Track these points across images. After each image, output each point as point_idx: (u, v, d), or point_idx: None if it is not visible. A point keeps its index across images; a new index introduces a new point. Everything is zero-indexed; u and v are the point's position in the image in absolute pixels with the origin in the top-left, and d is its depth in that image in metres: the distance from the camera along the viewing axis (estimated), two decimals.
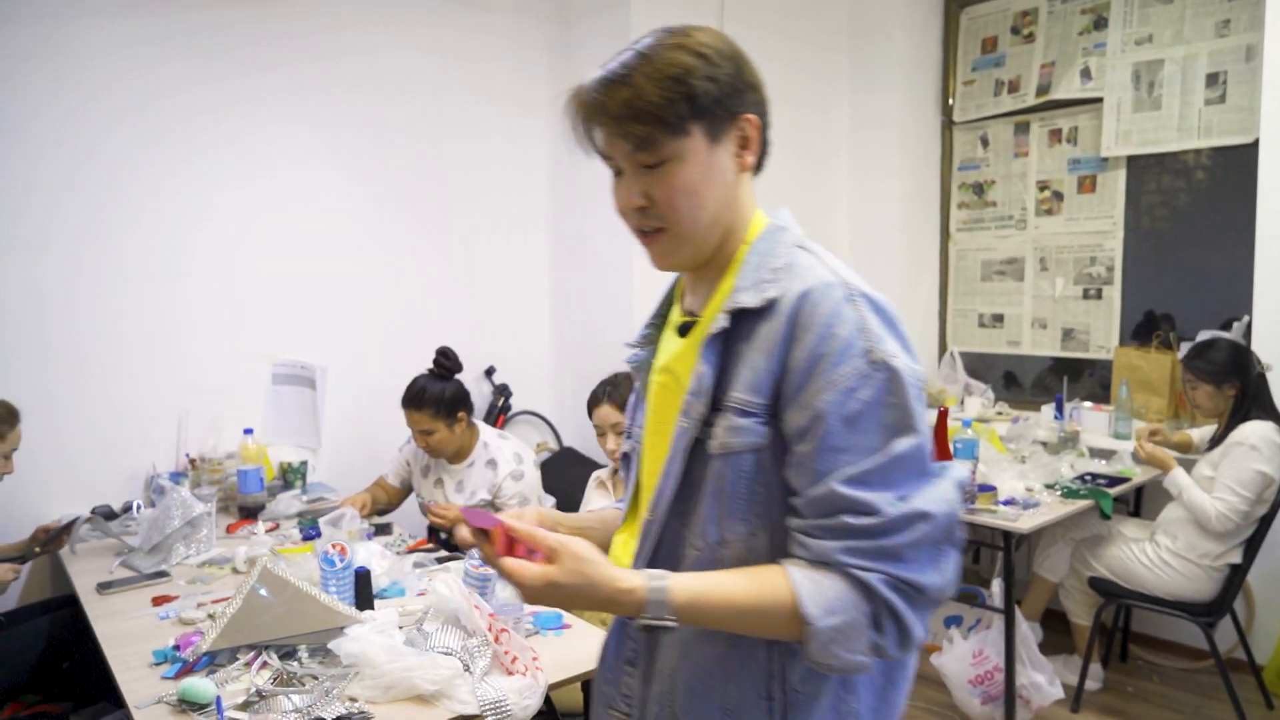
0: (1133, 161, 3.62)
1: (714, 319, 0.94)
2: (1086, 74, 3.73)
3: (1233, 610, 2.94)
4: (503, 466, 2.62)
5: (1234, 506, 2.61)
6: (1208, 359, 2.80)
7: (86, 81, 2.65)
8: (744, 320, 0.92)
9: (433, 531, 2.67)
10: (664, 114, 0.90)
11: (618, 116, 0.91)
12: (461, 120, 3.42)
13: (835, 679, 0.92)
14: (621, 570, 0.89)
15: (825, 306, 0.88)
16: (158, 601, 2.02)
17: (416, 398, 2.55)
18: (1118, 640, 3.31)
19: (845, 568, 0.84)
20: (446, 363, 2.63)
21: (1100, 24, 3.70)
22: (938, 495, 0.86)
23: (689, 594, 0.86)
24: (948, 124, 4.21)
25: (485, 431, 2.72)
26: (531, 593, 0.87)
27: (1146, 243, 3.67)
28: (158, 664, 1.69)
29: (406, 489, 2.86)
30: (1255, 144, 3.11)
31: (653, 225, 0.96)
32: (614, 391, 2.31)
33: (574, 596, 0.87)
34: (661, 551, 0.97)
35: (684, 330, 1.02)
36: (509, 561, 0.87)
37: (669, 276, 1.12)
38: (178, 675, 1.62)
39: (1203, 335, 3.33)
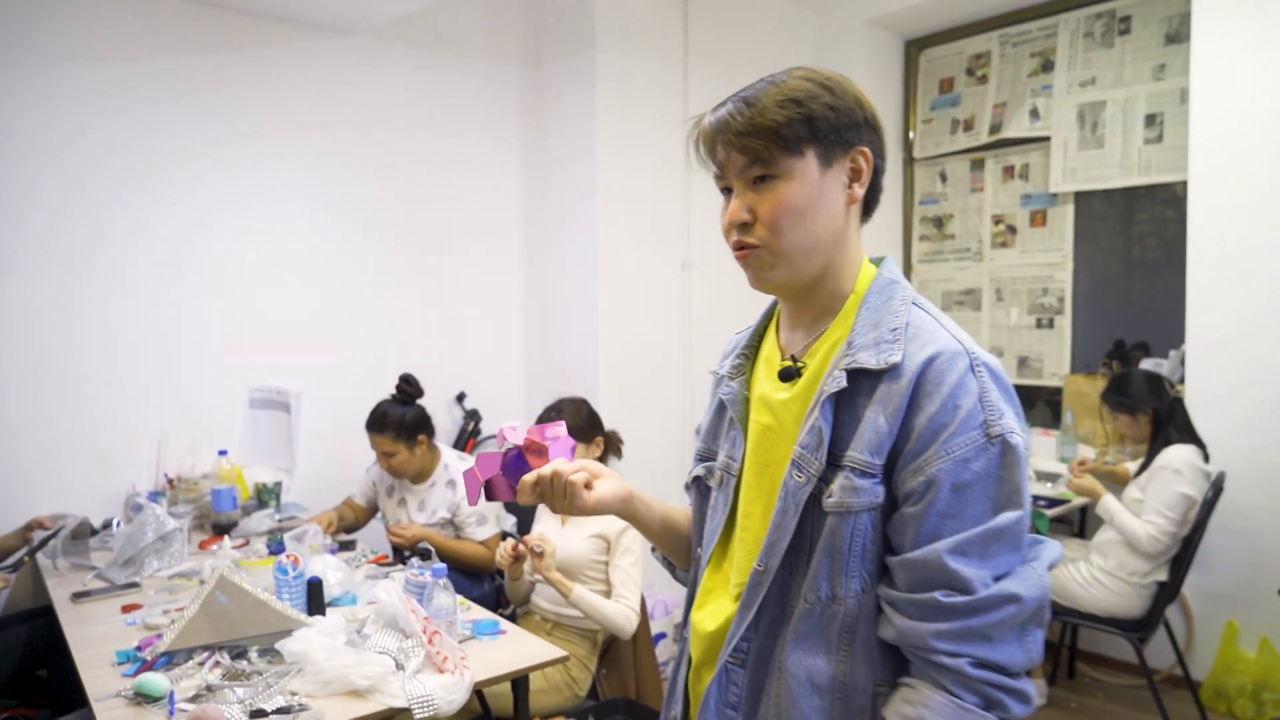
0: (1099, 194, 3.78)
1: (830, 375, 0.95)
2: (1035, 114, 3.91)
3: (1170, 629, 3.05)
4: (461, 486, 2.76)
5: (1162, 528, 2.74)
6: (1120, 391, 2.96)
7: (73, 117, 2.81)
8: (862, 379, 0.94)
9: (396, 550, 2.80)
10: (781, 131, 0.94)
11: (739, 131, 0.96)
12: (437, 155, 3.60)
13: None
14: None
15: (951, 376, 0.90)
16: (126, 609, 2.15)
17: (378, 421, 2.70)
18: (1066, 658, 3.42)
19: (934, 654, 0.88)
20: (408, 388, 2.78)
21: (1047, 67, 3.88)
22: (1030, 579, 0.89)
23: None
24: (908, 160, 4.39)
25: (446, 453, 2.86)
26: None
27: (1104, 273, 3.82)
28: (120, 663, 1.83)
29: (373, 508, 3.00)
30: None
31: (751, 243, 0.98)
32: (556, 418, 2.44)
33: None
34: (769, 601, 0.98)
35: (786, 375, 1.02)
36: None
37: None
38: (137, 673, 1.75)
39: (1144, 364, 3.48)
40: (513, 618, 2.60)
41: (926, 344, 0.93)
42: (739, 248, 1.00)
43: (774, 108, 0.95)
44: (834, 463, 0.94)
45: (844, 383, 0.93)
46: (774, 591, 0.98)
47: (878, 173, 1.01)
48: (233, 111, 3.11)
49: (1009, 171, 4.05)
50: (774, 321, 1.11)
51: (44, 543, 2.44)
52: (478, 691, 1.88)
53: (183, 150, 3.02)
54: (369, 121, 3.43)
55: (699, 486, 1.15)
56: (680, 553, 1.22)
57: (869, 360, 0.93)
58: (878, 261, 1.06)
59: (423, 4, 3.15)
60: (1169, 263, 3.61)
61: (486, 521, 2.77)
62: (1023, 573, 0.89)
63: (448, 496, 2.76)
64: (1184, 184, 3.49)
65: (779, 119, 0.94)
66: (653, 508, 1.17)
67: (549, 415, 2.47)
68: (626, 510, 1.13)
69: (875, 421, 0.92)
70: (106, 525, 2.80)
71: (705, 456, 1.14)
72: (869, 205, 1.03)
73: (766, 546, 0.97)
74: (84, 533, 2.60)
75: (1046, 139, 3.86)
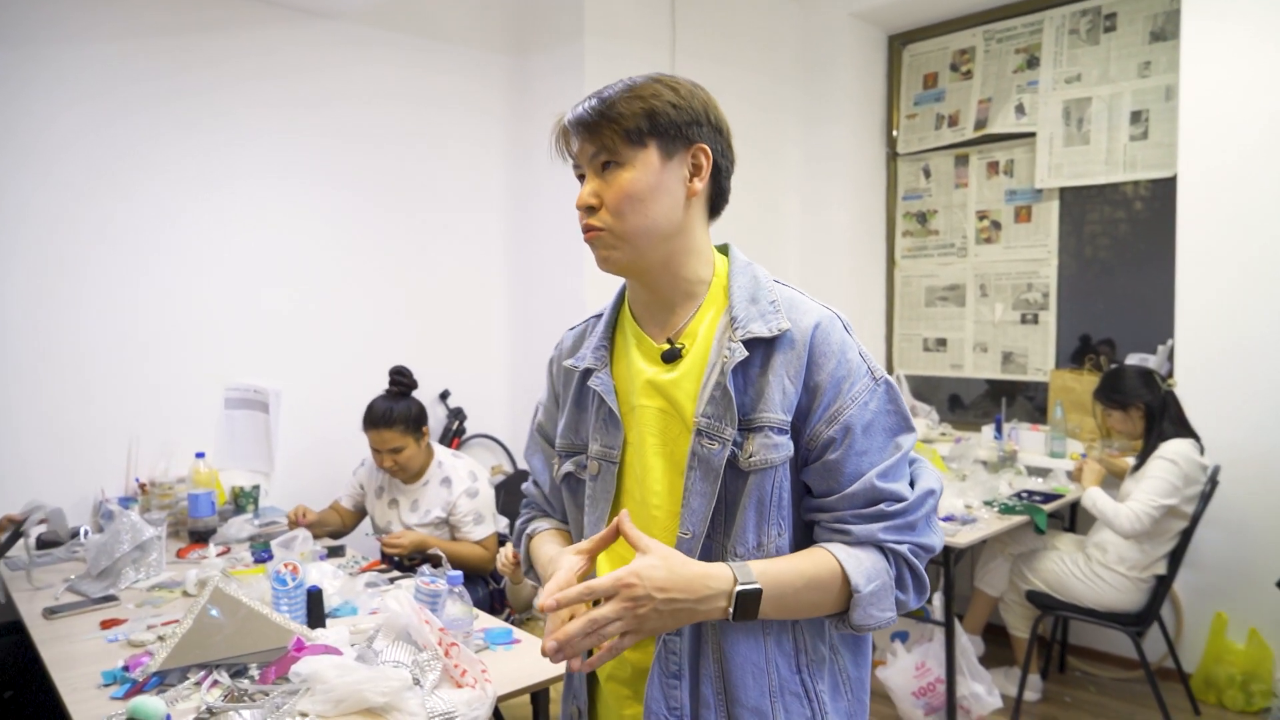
0: (1067, 192, 3.80)
1: (723, 348, 1.05)
2: (1020, 110, 3.91)
3: (1162, 621, 3.07)
4: (457, 484, 2.66)
5: (1144, 508, 2.72)
6: (1113, 387, 2.97)
7: (39, 109, 2.66)
8: (756, 348, 1.04)
9: (385, 555, 2.68)
10: (626, 124, 1.04)
11: (590, 125, 1.06)
12: (418, 145, 3.48)
13: (828, 646, 1.09)
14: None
15: (835, 337, 1.05)
16: (106, 625, 2.01)
17: (385, 416, 2.57)
18: (1056, 652, 3.43)
19: (883, 544, 1.02)
20: (404, 380, 2.67)
21: (1033, 63, 3.89)
22: (933, 475, 1.08)
23: (762, 565, 0.99)
24: (892, 155, 4.38)
25: (439, 450, 2.75)
26: (634, 602, 0.91)
27: (1082, 270, 3.84)
28: (106, 685, 1.70)
29: (360, 512, 2.88)
30: (1176, 178, 3.29)
31: (597, 225, 1.07)
32: None
33: (668, 591, 0.92)
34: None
35: (669, 357, 1.09)
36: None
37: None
38: (127, 695, 1.63)
39: (1130, 359, 3.50)
40: (515, 623, 2.51)
41: (805, 313, 1.06)
42: (587, 230, 1.07)
43: (621, 103, 1.05)
44: (745, 426, 1.03)
45: (745, 352, 1.03)
46: (700, 556, 1.03)
47: (721, 173, 1.10)
48: (207, 95, 2.96)
49: (994, 167, 4.06)
50: (625, 311, 1.17)
51: (11, 541, 2.29)
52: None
53: (154, 137, 2.87)
54: (347, 109, 3.29)
55: (569, 483, 1.19)
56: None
57: (760, 330, 1.04)
58: (724, 250, 1.16)
59: None
60: (1129, 260, 3.66)
61: (484, 520, 2.67)
62: (925, 470, 1.07)
63: (442, 495, 2.65)
64: (1132, 184, 3.54)
65: (624, 111, 1.04)
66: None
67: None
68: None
69: (782, 383, 1.03)
70: (74, 534, 2.64)
71: (571, 451, 1.18)
72: (715, 205, 1.12)
73: (691, 514, 1.04)
74: (54, 538, 2.44)
75: (1032, 135, 3.87)
